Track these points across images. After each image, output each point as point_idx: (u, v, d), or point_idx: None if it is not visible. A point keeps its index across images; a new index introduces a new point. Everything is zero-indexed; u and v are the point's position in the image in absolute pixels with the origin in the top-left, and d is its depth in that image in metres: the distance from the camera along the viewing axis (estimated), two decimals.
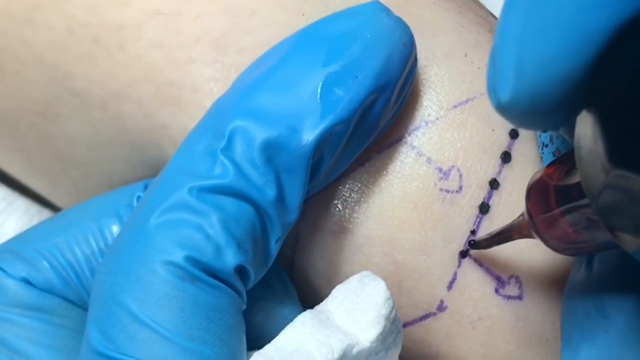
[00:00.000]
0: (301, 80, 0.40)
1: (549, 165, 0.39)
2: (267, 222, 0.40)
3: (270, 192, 0.39)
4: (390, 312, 0.39)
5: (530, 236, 0.40)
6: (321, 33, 0.41)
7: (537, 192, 0.39)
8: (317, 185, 0.42)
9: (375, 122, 0.42)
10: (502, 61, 0.34)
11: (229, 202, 0.39)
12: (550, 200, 0.38)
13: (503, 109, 0.35)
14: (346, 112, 0.40)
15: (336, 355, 0.38)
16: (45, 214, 0.56)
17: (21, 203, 0.56)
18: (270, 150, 0.39)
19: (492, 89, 0.35)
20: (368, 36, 0.41)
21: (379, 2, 0.42)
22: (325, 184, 0.43)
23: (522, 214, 0.40)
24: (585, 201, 0.36)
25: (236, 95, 0.40)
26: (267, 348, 0.37)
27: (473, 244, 0.43)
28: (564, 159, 0.39)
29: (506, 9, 0.34)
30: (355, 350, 0.38)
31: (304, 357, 0.37)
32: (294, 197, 0.40)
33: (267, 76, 0.40)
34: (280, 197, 0.40)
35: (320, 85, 0.40)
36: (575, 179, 0.37)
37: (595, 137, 0.33)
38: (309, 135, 0.40)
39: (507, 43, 0.34)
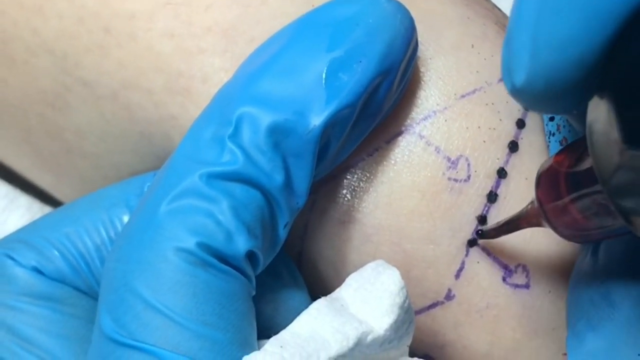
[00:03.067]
0: (305, 65, 0.39)
1: (558, 153, 0.38)
2: (276, 207, 0.38)
3: (278, 178, 0.38)
4: (404, 301, 0.37)
5: (539, 225, 0.39)
6: (323, 19, 0.40)
7: (547, 180, 0.38)
8: (323, 170, 0.41)
9: (380, 106, 0.40)
10: (517, 44, 0.33)
11: (238, 188, 0.37)
12: (560, 187, 0.37)
13: (517, 91, 0.33)
14: (351, 96, 0.39)
15: (351, 343, 0.36)
16: (48, 211, 0.54)
17: (23, 200, 0.55)
18: (278, 136, 0.38)
19: (507, 72, 0.33)
20: (370, 21, 0.39)
21: None
22: (331, 169, 0.41)
23: (531, 203, 0.39)
24: (596, 187, 0.35)
25: (241, 81, 0.39)
26: (283, 334, 0.35)
27: (481, 234, 0.41)
28: (573, 146, 0.37)
29: None
30: (369, 338, 0.36)
31: (319, 344, 0.35)
32: (302, 182, 0.39)
33: (272, 62, 0.39)
34: (288, 182, 0.38)
35: (324, 71, 0.38)
36: (585, 165, 0.36)
37: (609, 119, 0.32)
38: (316, 120, 0.38)
39: (523, 25, 0.33)
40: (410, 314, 0.38)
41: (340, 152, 0.40)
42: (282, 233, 0.39)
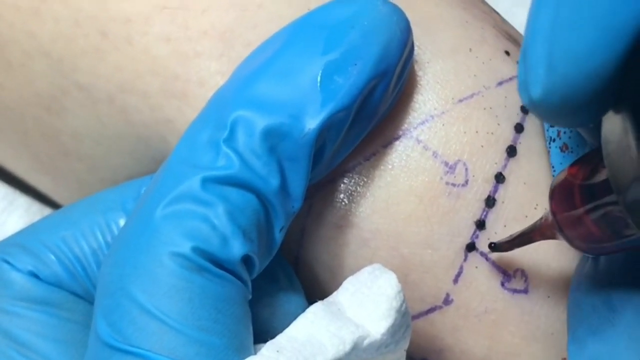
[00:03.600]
0: (301, 68, 0.38)
1: (572, 165, 0.37)
2: (271, 211, 0.38)
3: (274, 181, 0.38)
4: (401, 305, 0.37)
5: (552, 237, 0.39)
6: (318, 21, 0.39)
7: (561, 192, 0.37)
8: (319, 173, 0.40)
9: (376, 109, 0.40)
10: (533, 58, 0.33)
11: (233, 193, 0.37)
12: (575, 199, 0.37)
13: (535, 105, 0.33)
14: (347, 99, 0.38)
15: (347, 347, 0.36)
16: (47, 212, 0.54)
17: (22, 201, 0.54)
18: (273, 139, 0.38)
19: (524, 86, 0.33)
20: (366, 23, 0.39)
21: None
22: (327, 172, 0.41)
23: (544, 216, 0.39)
24: (611, 198, 0.35)
25: (237, 85, 0.39)
26: (280, 338, 0.35)
27: (494, 247, 0.41)
28: (587, 158, 0.37)
29: (536, 5, 0.33)
30: (366, 343, 0.36)
31: (316, 348, 0.35)
32: (297, 185, 0.38)
33: (267, 65, 0.39)
34: (284, 186, 0.38)
35: (320, 74, 0.38)
36: (601, 177, 0.35)
37: (626, 132, 0.32)
38: (311, 123, 0.38)
39: (538, 39, 0.32)
40: (407, 318, 0.38)
41: (336, 155, 0.40)
42: (278, 237, 0.39)
